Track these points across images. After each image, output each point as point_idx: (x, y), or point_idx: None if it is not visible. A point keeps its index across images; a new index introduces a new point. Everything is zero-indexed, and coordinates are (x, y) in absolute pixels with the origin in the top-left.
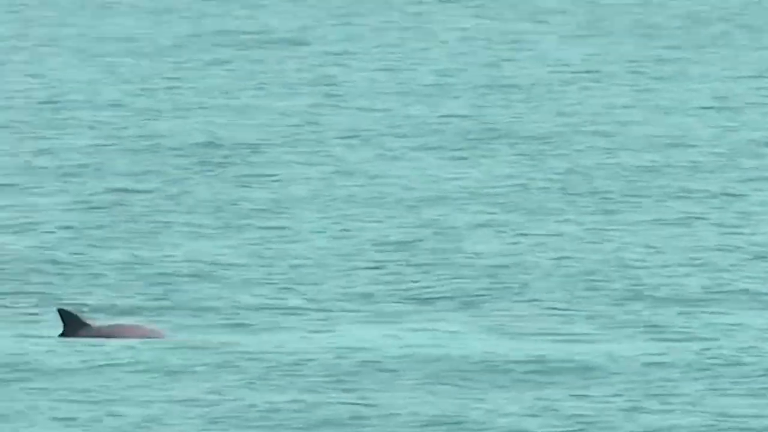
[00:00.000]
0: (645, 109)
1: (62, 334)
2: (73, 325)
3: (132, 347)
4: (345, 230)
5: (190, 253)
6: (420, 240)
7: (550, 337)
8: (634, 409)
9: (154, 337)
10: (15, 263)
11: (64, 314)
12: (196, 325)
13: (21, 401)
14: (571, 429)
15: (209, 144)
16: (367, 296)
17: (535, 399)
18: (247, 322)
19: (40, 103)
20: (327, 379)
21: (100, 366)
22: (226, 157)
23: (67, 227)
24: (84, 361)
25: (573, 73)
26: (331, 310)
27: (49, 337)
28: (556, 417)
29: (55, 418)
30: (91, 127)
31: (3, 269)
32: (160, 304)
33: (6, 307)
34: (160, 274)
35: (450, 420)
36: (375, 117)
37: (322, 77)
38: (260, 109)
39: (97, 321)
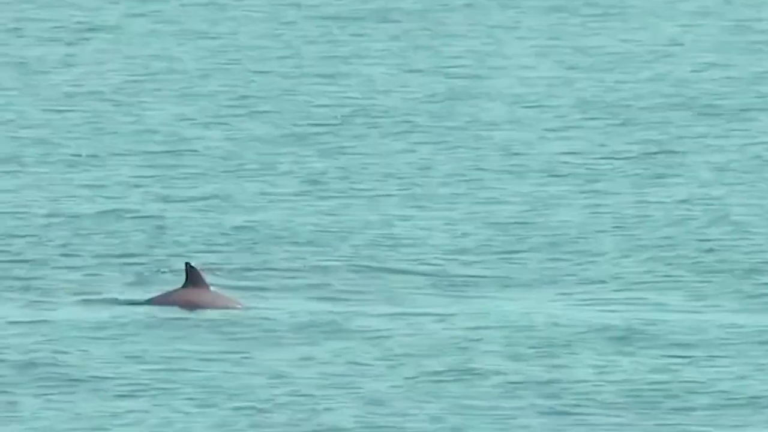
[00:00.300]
0: (732, 79)
1: (183, 287)
2: (194, 281)
3: (222, 315)
4: (425, 202)
5: (278, 220)
6: (510, 211)
7: (637, 307)
8: (717, 378)
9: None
10: (99, 230)
11: (189, 269)
12: (283, 293)
13: (105, 365)
14: (655, 399)
15: (300, 114)
16: (447, 265)
17: (621, 367)
18: (330, 291)
19: (127, 73)
20: (408, 349)
21: (188, 333)
22: (315, 126)
23: (157, 195)
24: (174, 327)
25: (659, 45)
26: (415, 277)
27: (138, 302)
28: (643, 384)
29: (135, 383)
30: (179, 96)
31: (88, 236)
32: (249, 268)
33: (94, 275)
34: (252, 239)
35: (538, 387)
36: (462, 86)
37: (408, 48)
38: (345, 78)
39: (214, 285)
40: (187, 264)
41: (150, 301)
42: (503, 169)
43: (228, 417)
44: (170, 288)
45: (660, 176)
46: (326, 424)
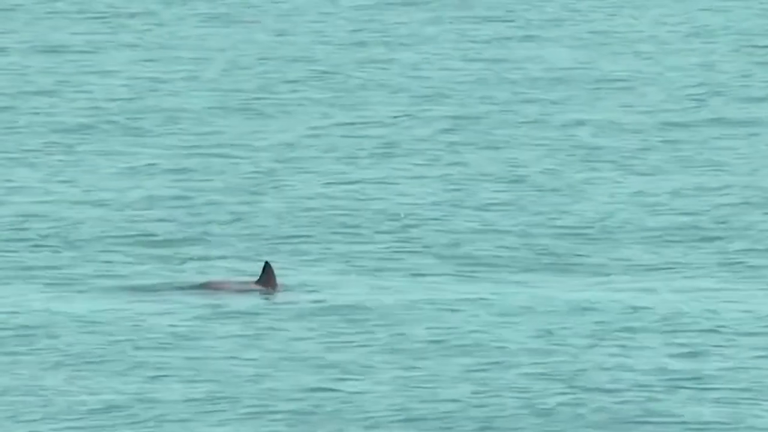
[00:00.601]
0: (744, 63)
1: (257, 282)
2: (267, 276)
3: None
4: (452, 183)
5: (312, 203)
6: (539, 195)
7: (666, 292)
8: (744, 365)
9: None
10: (133, 216)
11: (266, 266)
12: (319, 276)
13: (139, 351)
14: (683, 384)
15: (331, 96)
16: (478, 248)
17: (650, 351)
18: (363, 274)
19: (159, 59)
20: (436, 333)
21: (229, 321)
22: (347, 110)
23: (187, 181)
24: (219, 316)
25: (690, 27)
26: (446, 260)
27: (188, 288)
28: (671, 369)
29: (167, 368)
30: (208, 81)
31: (121, 223)
32: (281, 251)
33: (131, 262)
34: (286, 223)
35: (567, 371)
36: (492, 71)
37: (438, 33)
38: (376, 62)
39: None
40: (266, 263)
41: (213, 287)
42: (533, 153)
43: (261, 403)
44: (217, 276)
45: (689, 161)
46: (357, 409)
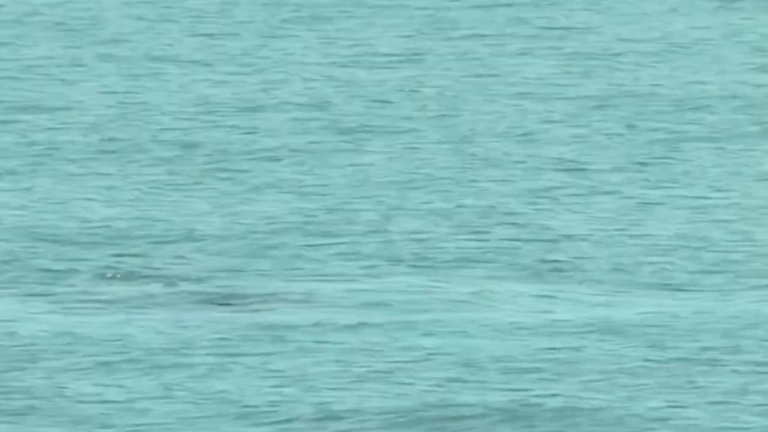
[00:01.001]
0: (731, 78)
1: None
2: None
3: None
4: (436, 195)
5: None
6: (513, 206)
7: (649, 304)
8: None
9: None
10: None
11: None
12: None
13: (119, 371)
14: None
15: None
16: (456, 261)
17: (631, 362)
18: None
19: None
20: (424, 339)
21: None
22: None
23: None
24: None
25: (661, 45)
26: (415, 271)
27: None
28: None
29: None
30: (191, 97)
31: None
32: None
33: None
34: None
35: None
36: (487, 82)
37: (417, 48)
38: (357, 81)
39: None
40: None
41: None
42: (521, 169)
43: (245, 420)
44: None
45: (679, 176)
46: (343, 423)
